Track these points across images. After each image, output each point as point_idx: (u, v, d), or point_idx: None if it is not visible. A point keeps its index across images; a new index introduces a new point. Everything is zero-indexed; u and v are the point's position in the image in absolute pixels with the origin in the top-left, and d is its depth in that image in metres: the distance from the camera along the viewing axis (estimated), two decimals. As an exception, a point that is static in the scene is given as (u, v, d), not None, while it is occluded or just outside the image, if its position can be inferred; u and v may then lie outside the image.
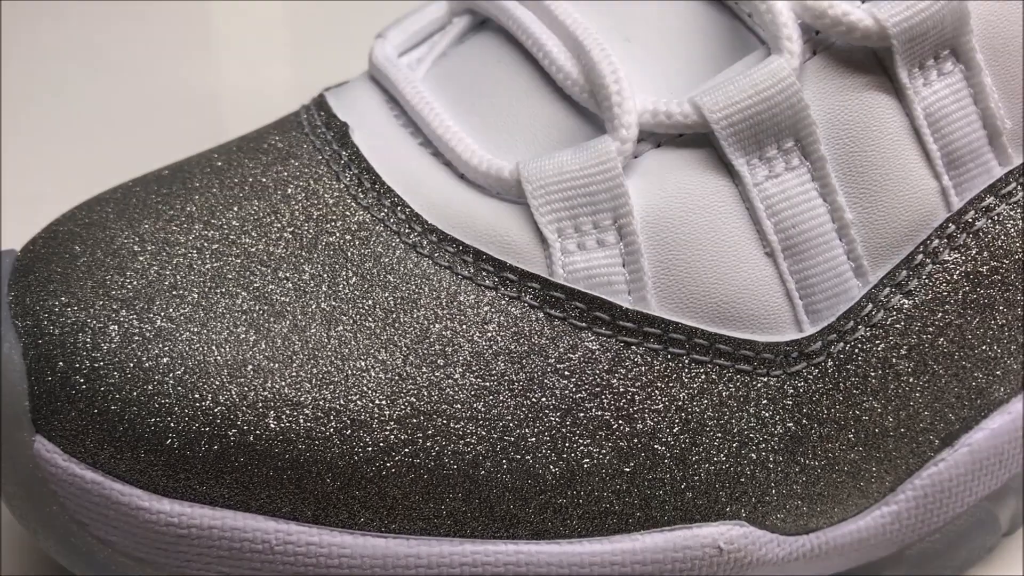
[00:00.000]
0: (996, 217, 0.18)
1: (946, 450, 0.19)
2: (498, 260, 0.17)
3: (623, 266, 0.17)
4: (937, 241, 0.18)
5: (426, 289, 0.17)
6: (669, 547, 0.17)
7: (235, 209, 0.18)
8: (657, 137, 0.18)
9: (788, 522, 0.18)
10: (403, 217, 0.17)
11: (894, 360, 0.18)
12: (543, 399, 0.17)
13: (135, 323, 0.16)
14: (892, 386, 0.18)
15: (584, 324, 0.17)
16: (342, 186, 0.18)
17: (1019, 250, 0.18)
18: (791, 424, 0.18)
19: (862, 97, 0.18)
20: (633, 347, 0.17)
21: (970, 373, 0.19)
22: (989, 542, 0.20)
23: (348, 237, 0.17)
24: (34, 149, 0.36)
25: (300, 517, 0.16)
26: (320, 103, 0.20)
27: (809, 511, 0.18)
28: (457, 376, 0.16)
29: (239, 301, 0.17)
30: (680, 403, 0.17)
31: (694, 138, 0.18)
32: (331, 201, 0.18)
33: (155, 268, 0.17)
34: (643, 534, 0.17)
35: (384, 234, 0.17)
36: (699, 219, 0.17)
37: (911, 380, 0.18)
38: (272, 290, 0.17)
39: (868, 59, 0.18)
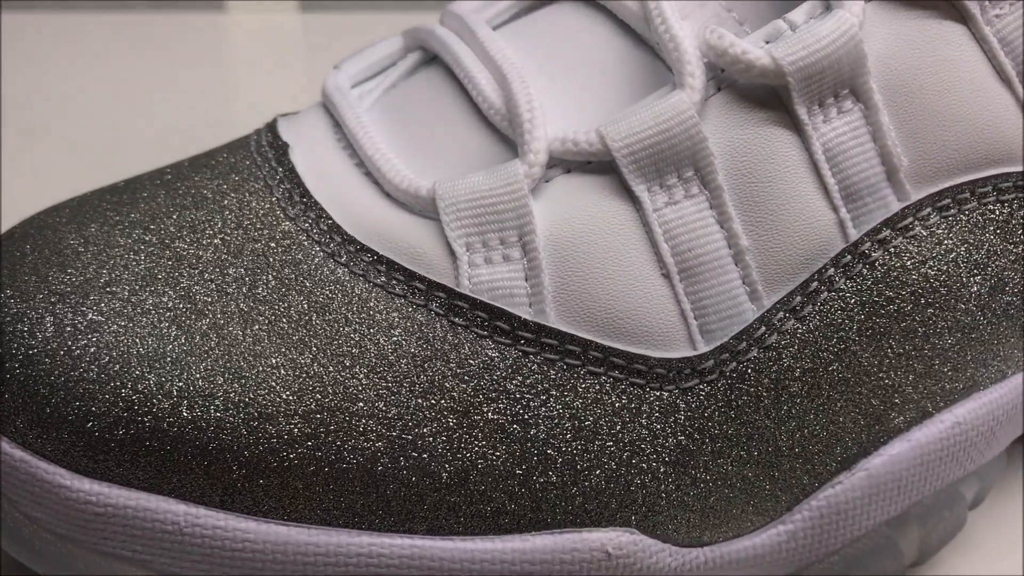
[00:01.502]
0: (892, 249, 0.19)
1: (843, 473, 0.20)
2: (409, 270, 0.18)
3: (525, 280, 0.18)
4: (833, 270, 0.19)
5: (339, 295, 0.18)
6: (558, 549, 0.18)
7: (174, 216, 0.19)
8: (567, 163, 0.19)
9: (681, 533, 0.19)
10: (325, 228, 0.19)
11: (787, 382, 0.19)
12: (442, 401, 0.18)
13: (69, 315, 0.18)
14: (786, 407, 0.19)
15: (485, 333, 0.18)
16: (274, 199, 0.19)
17: (915, 282, 0.19)
18: (683, 438, 0.18)
19: (762, 132, 0.19)
20: (531, 356, 0.18)
21: (866, 399, 0.19)
22: (890, 569, 0.21)
23: (272, 245, 0.18)
24: (40, 171, 0.38)
25: (208, 502, 0.17)
26: (271, 126, 0.21)
27: (702, 523, 0.19)
28: (362, 376, 0.18)
29: (165, 299, 0.18)
30: (573, 411, 0.18)
31: (601, 165, 0.19)
32: (261, 212, 0.19)
33: (94, 267, 0.18)
34: (534, 535, 0.18)
35: (306, 243, 0.18)
36: (599, 240, 0.18)
37: (805, 402, 0.19)
38: (197, 290, 0.18)
39: (769, 96, 0.19)
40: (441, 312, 0.18)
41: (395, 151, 0.20)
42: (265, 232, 0.19)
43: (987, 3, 0.19)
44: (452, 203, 0.18)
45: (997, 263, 0.20)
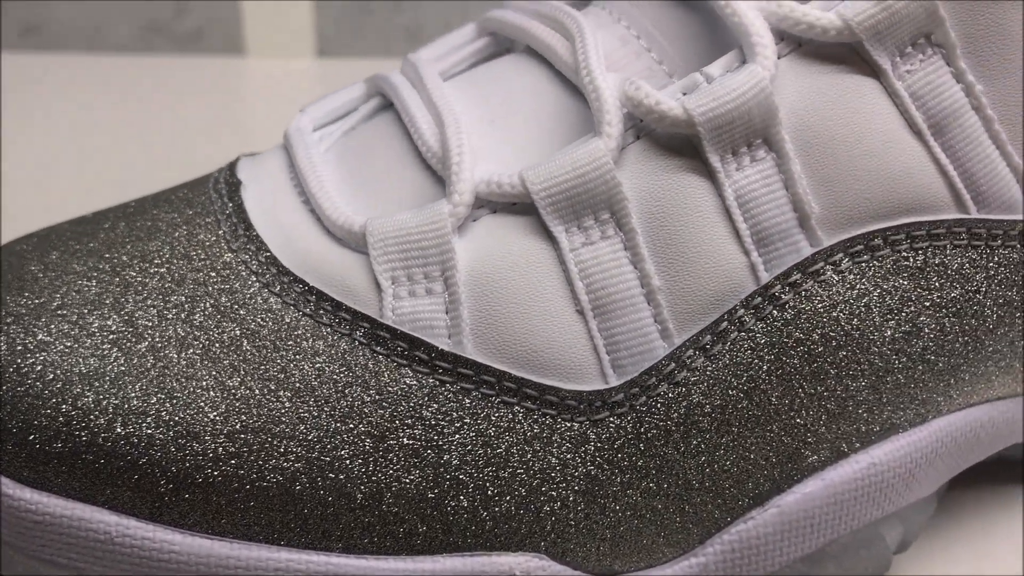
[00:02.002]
0: (803, 293, 0.20)
1: (756, 509, 0.20)
2: (336, 301, 0.19)
3: (446, 313, 0.19)
4: (743, 311, 0.20)
5: (270, 322, 0.19)
6: (468, 571, 0.19)
7: (128, 246, 0.20)
8: (494, 204, 0.20)
9: (591, 560, 0.19)
10: (263, 260, 0.20)
11: (697, 417, 0.19)
12: (360, 426, 0.19)
13: (21, 335, 0.19)
14: (695, 442, 0.20)
15: (405, 361, 0.19)
16: (220, 232, 0.20)
17: (826, 324, 0.20)
18: (592, 468, 0.19)
19: (677, 178, 0.20)
20: (447, 385, 0.19)
21: (778, 437, 0.20)
22: (809, 605, 0.21)
23: (212, 274, 0.20)
24: (56, 211, 0.40)
25: (139, 514, 0.18)
26: (232, 164, 0.23)
27: (612, 552, 0.20)
28: (285, 400, 0.19)
29: (109, 322, 0.19)
30: (486, 438, 0.19)
31: (524, 207, 0.20)
32: (207, 244, 0.20)
33: (48, 291, 0.20)
34: (445, 557, 0.19)
35: (244, 273, 0.20)
36: (518, 277, 0.19)
37: (715, 438, 0.20)
38: (139, 315, 0.19)
39: (684, 145, 0.20)
40: (364, 341, 0.19)
41: (342, 189, 0.21)
42: (208, 263, 0.20)
43: (898, 59, 0.20)
44: (381, 239, 0.20)
45: (911, 309, 0.20)
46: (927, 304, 0.21)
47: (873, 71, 0.20)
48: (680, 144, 0.20)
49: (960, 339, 0.21)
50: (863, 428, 0.21)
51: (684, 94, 0.20)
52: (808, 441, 0.20)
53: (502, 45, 0.25)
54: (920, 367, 0.21)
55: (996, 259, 0.21)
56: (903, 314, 0.20)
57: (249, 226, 0.20)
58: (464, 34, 0.25)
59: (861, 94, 0.20)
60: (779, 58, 0.20)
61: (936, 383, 0.21)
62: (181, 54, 0.53)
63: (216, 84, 0.50)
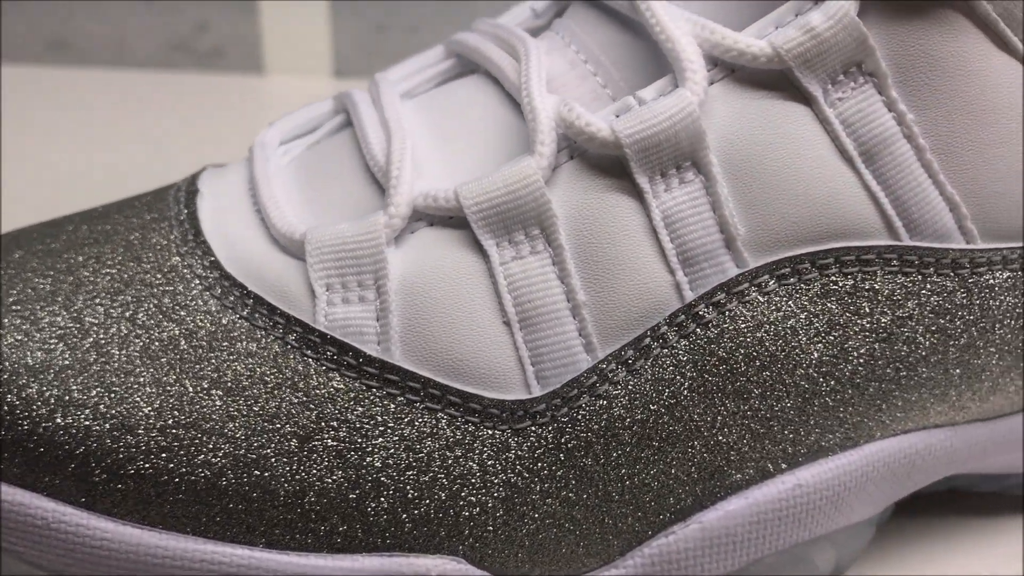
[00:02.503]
0: (727, 312, 0.20)
1: (677, 524, 0.21)
2: (272, 305, 0.20)
3: (376, 320, 0.20)
4: (666, 328, 0.20)
5: (208, 324, 0.20)
6: (386, 571, 0.19)
7: (85, 248, 0.21)
8: (431, 217, 0.21)
9: (509, 566, 0.20)
10: (207, 264, 0.21)
11: (618, 430, 0.20)
12: (286, 426, 0.19)
13: (-25, 329, 0.20)
14: (615, 454, 0.20)
15: (333, 366, 0.20)
16: (172, 237, 0.21)
17: (750, 344, 0.20)
18: (513, 475, 0.20)
19: (606, 197, 0.20)
20: (374, 390, 0.20)
21: (700, 453, 0.20)
22: (732, 624, 0.21)
23: (159, 276, 0.21)
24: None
25: (74, 501, 0.19)
26: (196, 175, 0.24)
27: (531, 559, 0.20)
28: (216, 398, 0.19)
29: (59, 319, 0.20)
30: (409, 443, 0.19)
31: (460, 220, 0.21)
32: (158, 248, 0.21)
33: (6, 287, 0.21)
34: (364, 556, 0.19)
35: (188, 276, 0.21)
36: (448, 288, 0.20)
37: (635, 452, 0.20)
38: (87, 313, 0.20)
39: (615, 166, 0.20)
40: (296, 345, 0.20)
41: (294, 200, 0.22)
42: (156, 265, 0.21)
43: (830, 87, 0.20)
44: (318, 247, 0.20)
45: (840, 333, 0.21)
46: (856, 329, 0.21)
47: (804, 98, 0.20)
48: (611, 165, 0.20)
49: (891, 365, 0.21)
50: (789, 449, 0.21)
51: (617, 116, 0.20)
52: (731, 459, 0.21)
53: (467, 67, 0.25)
54: (849, 391, 0.21)
55: (929, 286, 0.21)
56: (831, 337, 0.21)
57: (199, 232, 0.21)
58: (432, 56, 0.26)
59: (791, 120, 0.20)
60: (712, 83, 0.20)
61: (866, 408, 0.21)
62: (202, 71, 0.54)
63: (235, 101, 0.52)
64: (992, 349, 0.22)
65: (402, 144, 0.21)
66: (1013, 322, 0.22)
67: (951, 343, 0.22)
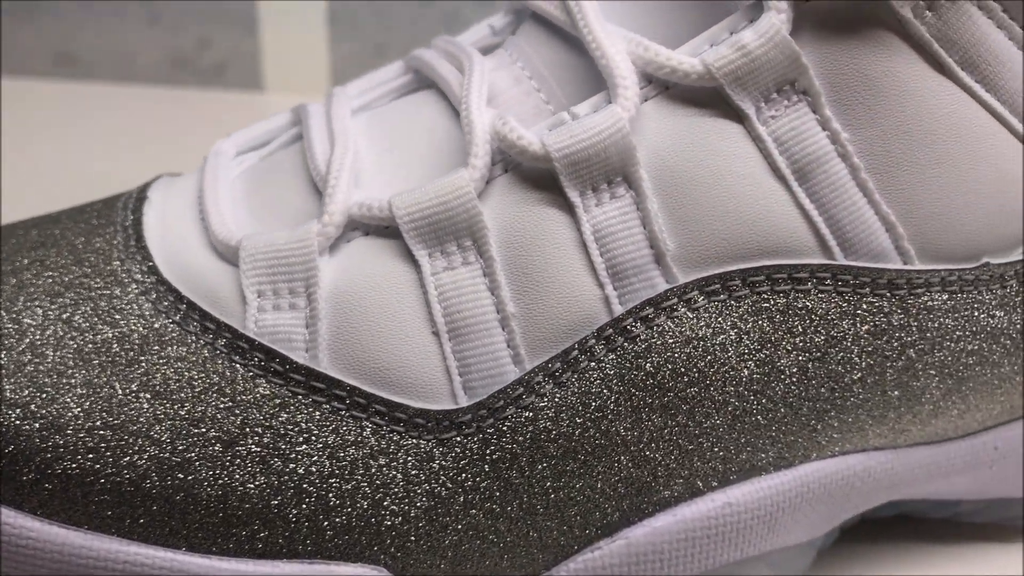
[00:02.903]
0: (655, 327, 0.20)
1: (604, 539, 0.20)
2: (204, 311, 0.20)
3: (305, 327, 0.20)
4: (594, 341, 0.20)
5: (141, 327, 0.20)
6: (306, 577, 0.19)
7: (33, 252, 0.22)
8: (367, 227, 0.21)
9: (432, 577, 0.20)
10: (144, 269, 0.21)
11: (544, 443, 0.20)
12: (211, 431, 0.19)
13: (-83, 328, 0.20)
14: (541, 467, 0.20)
15: (260, 372, 0.20)
16: (115, 242, 0.22)
17: (677, 360, 0.20)
18: (437, 486, 0.20)
19: (537, 210, 0.20)
20: (299, 396, 0.20)
21: (627, 468, 0.20)
22: (658, 640, 0.21)
23: (98, 280, 0.21)
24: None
25: (3, 500, 0.19)
26: (149, 182, 0.24)
27: (453, 571, 0.20)
28: (144, 401, 0.20)
29: (-2, 320, 0.20)
30: (332, 450, 0.20)
31: (395, 230, 0.21)
32: (101, 252, 0.22)
33: (-49, 289, 0.21)
34: (285, 562, 0.19)
35: (125, 281, 0.21)
36: (378, 297, 0.20)
37: (561, 465, 0.20)
38: (25, 315, 0.21)
39: (548, 179, 0.20)
40: (225, 351, 0.20)
41: (241, 209, 0.22)
42: (96, 269, 0.21)
43: (763, 105, 0.20)
44: (251, 254, 0.21)
45: (771, 350, 0.21)
46: (788, 347, 0.21)
47: (737, 116, 0.20)
48: (544, 178, 0.20)
49: (825, 385, 0.21)
50: (719, 466, 0.21)
51: (551, 131, 0.21)
52: (659, 475, 0.20)
53: (423, 82, 0.26)
54: (782, 410, 0.21)
55: (865, 306, 0.21)
56: (762, 355, 0.21)
57: (140, 238, 0.22)
58: (391, 71, 0.26)
59: (724, 137, 0.20)
60: (646, 100, 0.21)
61: (801, 427, 0.21)
62: (203, 87, 0.55)
63: (235, 117, 0.52)
64: (932, 371, 0.22)
65: (343, 154, 0.22)
66: (953, 344, 0.22)
67: (888, 364, 0.21)
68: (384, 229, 0.21)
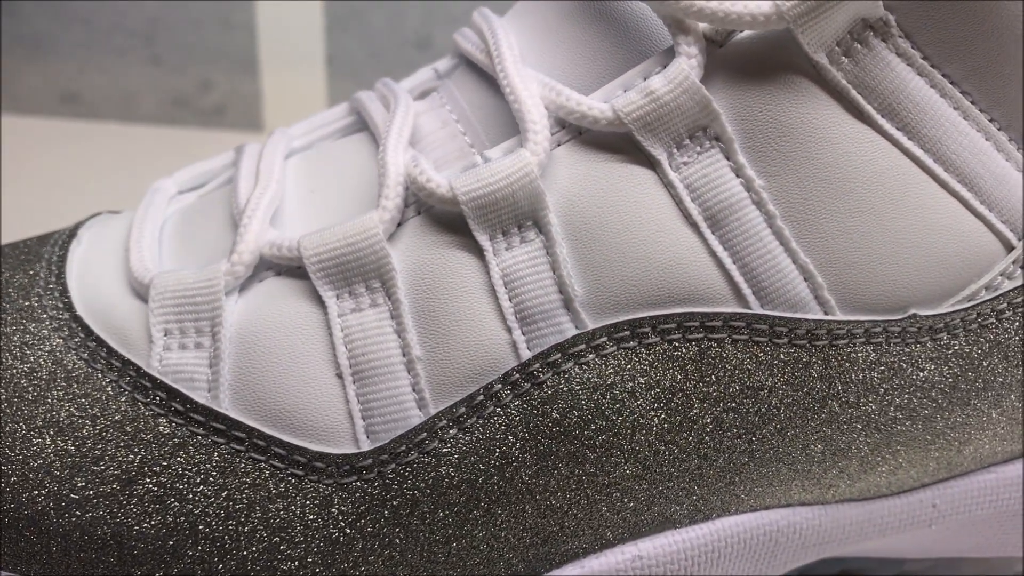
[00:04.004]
0: (562, 374, 0.20)
1: (508, 590, 0.20)
2: (111, 348, 0.20)
3: (209, 367, 0.20)
4: (500, 386, 0.20)
5: (50, 363, 0.20)
6: (198, 620, 0.19)
7: (-42, 287, 0.22)
8: (279, 267, 0.21)
9: (328, 624, 0.20)
10: (60, 305, 0.21)
11: (446, 489, 0.20)
12: (110, 468, 0.19)
13: None
14: (442, 513, 0.20)
15: (162, 411, 0.20)
16: (37, 278, 0.22)
17: (585, 407, 0.20)
18: (335, 531, 0.19)
19: (447, 253, 0.20)
20: (199, 437, 0.20)
21: (532, 518, 0.20)
22: None
23: (15, 315, 0.21)
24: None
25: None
26: (85, 219, 0.24)
27: (351, 618, 0.20)
28: (47, 438, 0.20)
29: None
30: (229, 492, 0.19)
31: (305, 271, 0.21)
32: (21, 286, 0.22)
33: None
34: (178, 604, 0.19)
35: (41, 316, 0.21)
36: (283, 338, 0.20)
37: (464, 512, 0.20)
38: (-61, 348, 0.21)
39: (459, 223, 0.20)
40: (128, 388, 0.20)
41: (169, 247, 0.23)
42: (15, 304, 0.21)
43: (675, 151, 0.20)
44: (160, 292, 0.21)
45: (683, 400, 0.20)
46: (701, 396, 0.20)
47: (649, 162, 0.20)
48: (455, 222, 0.20)
49: (742, 437, 0.21)
50: (630, 518, 0.20)
51: (462, 174, 0.20)
52: (565, 525, 0.20)
53: (363, 124, 0.26)
54: (695, 461, 0.20)
55: (782, 357, 0.20)
56: (674, 404, 0.20)
57: (61, 274, 0.22)
58: (336, 112, 0.26)
59: (635, 183, 0.20)
60: (559, 145, 0.20)
61: (716, 480, 0.21)
62: (204, 127, 0.56)
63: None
64: (858, 425, 0.21)
65: (260, 194, 0.22)
66: (880, 398, 0.21)
67: (809, 417, 0.21)
68: (296, 269, 0.21)
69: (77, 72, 0.55)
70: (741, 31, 0.20)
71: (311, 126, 0.26)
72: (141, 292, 0.21)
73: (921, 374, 0.21)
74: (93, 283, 0.22)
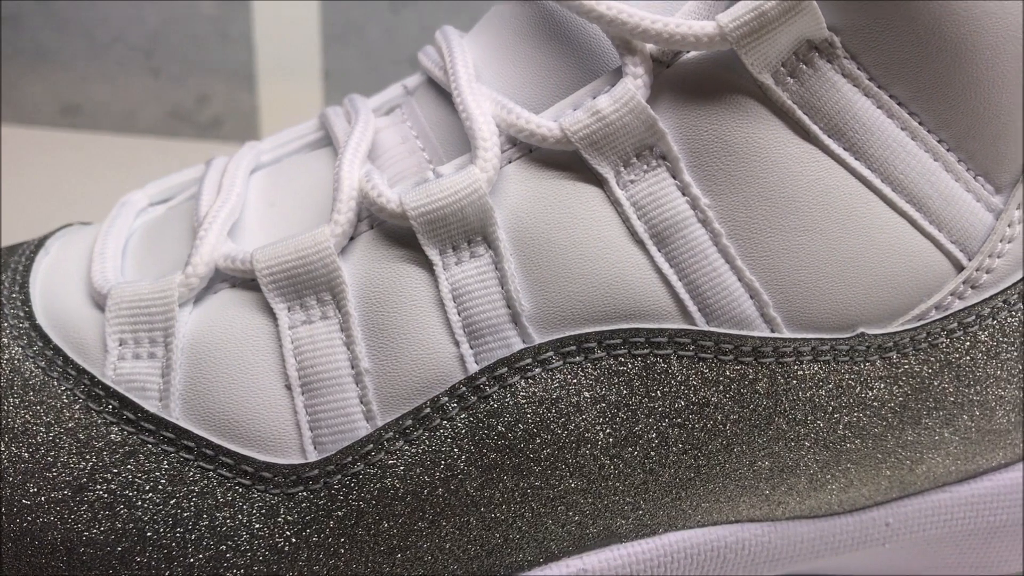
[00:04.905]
0: (509, 387, 0.20)
1: (455, 601, 0.20)
2: (68, 357, 0.21)
3: (161, 377, 0.20)
4: (447, 399, 0.20)
5: (8, 371, 0.21)
6: (144, 626, 0.19)
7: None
8: (234, 279, 0.21)
9: (274, 632, 0.20)
10: (22, 315, 0.22)
11: (391, 501, 0.20)
12: (62, 475, 0.20)
13: None
14: (387, 524, 0.20)
15: (114, 419, 0.20)
16: (2, 288, 0.22)
17: (530, 420, 0.20)
18: (280, 540, 0.20)
19: (397, 267, 0.21)
20: (149, 445, 0.20)
21: (477, 530, 0.20)
22: None
23: (-24, 324, 0.22)
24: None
25: None
26: (55, 230, 0.25)
27: (296, 626, 0.20)
28: (2, 444, 0.20)
29: None
30: (177, 500, 0.20)
31: (257, 283, 0.21)
32: (-13, 297, 0.22)
33: None
34: (126, 610, 0.20)
35: (1, 325, 0.21)
36: (234, 348, 0.20)
37: (409, 524, 0.20)
38: (-98, 355, 0.21)
39: (410, 238, 0.21)
40: (83, 397, 0.20)
41: (133, 258, 0.23)
42: (-23, 313, 0.22)
43: (622, 169, 0.20)
44: (116, 302, 0.21)
45: (628, 414, 0.20)
46: (646, 412, 0.20)
47: (597, 179, 0.20)
48: (407, 236, 0.21)
49: (688, 452, 0.21)
50: (575, 531, 0.21)
51: (414, 189, 0.21)
52: (510, 537, 0.20)
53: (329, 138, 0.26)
54: (641, 475, 0.21)
55: (728, 374, 0.21)
56: (619, 419, 0.20)
57: (25, 284, 0.22)
58: (306, 126, 0.27)
59: (582, 201, 0.20)
60: (510, 162, 0.21)
61: (662, 495, 0.21)
62: (202, 140, 0.56)
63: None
64: (806, 443, 0.21)
65: (220, 207, 0.22)
66: (828, 416, 0.21)
67: (756, 434, 0.21)
68: (250, 282, 0.21)
69: (78, 83, 0.56)
70: (688, 51, 0.20)
71: (280, 140, 0.26)
72: (100, 302, 0.22)
73: (870, 393, 0.21)
74: (55, 293, 0.22)
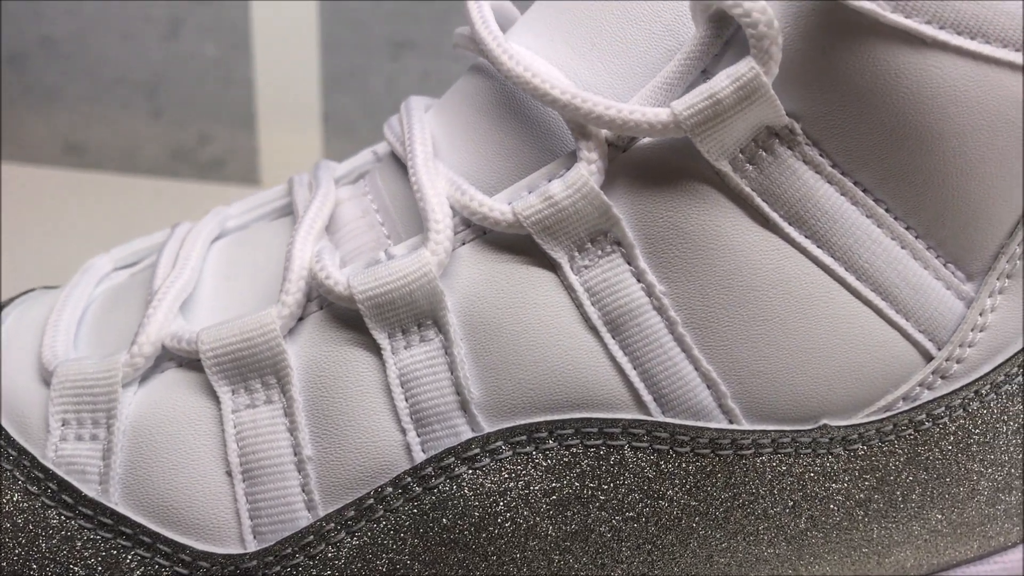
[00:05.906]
0: (455, 478, 0.19)
1: None
2: (10, 436, 0.20)
3: (102, 460, 0.20)
4: (391, 489, 0.19)
5: (-49, 452, 0.20)
6: None
7: None
8: (181, 359, 0.21)
9: None
10: (-31, 391, 0.21)
11: (331, 594, 0.19)
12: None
13: None
14: (326, 619, 0.19)
15: (52, 503, 0.20)
16: (-45, 360, 0.22)
17: (478, 513, 0.19)
18: (216, 632, 0.19)
19: (345, 351, 0.20)
20: (87, 531, 0.19)
21: (419, 624, 0.19)
22: None
23: (-78, 399, 0.21)
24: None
25: None
26: (17, 296, 0.25)
27: None
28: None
29: None
30: (113, 589, 0.19)
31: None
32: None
33: None
34: None
35: (-53, 401, 0.21)
36: (175, 432, 0.20)
37: (349, 617, 0.19)
38: None
39: (359, 319, 0.20)
40: (22, 479, 0.20)
41: (88, 329, 0.23)
42: (-74, 388, 0.21)
43: (576, 254, 0.20)
44: (61, 381, 0.21)
45: (581, 508, 0.20)
46: (599, 505, 0.20)
47: (551, 264, 0.20)
48: (356, 319, 0.20)
49: (643, 547, 0.20)
50: (524, 625, 0.20)
51: (364, 270, 0.20)
52: (454, 633, 0.20)
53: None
54: (592, 571, 0.20)
55: (685, 466, 0.20)
56: (570, 512, 0.20)
57: (-22, 354, 0.22)
58: (276, 191, 0.26)
59: (536, 286, 0.20)
60: (464, 244, 0.20)
61: (615, 590, 0.20)
62: (202, 180, 0.56)
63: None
64: (766, 537, 0.21)
65: (172, 282, 0.22)
66: (789, 510, 0.20)
67: (714, 528, 0.20)
68: (196, 362, 0.21)
69: (80, 123, 0.56)
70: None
71: (248, 205, 0.26)
72: (47, 379, 0.21)
73: (834, 486, 0.21)
74: (6, 367, 0.22)
